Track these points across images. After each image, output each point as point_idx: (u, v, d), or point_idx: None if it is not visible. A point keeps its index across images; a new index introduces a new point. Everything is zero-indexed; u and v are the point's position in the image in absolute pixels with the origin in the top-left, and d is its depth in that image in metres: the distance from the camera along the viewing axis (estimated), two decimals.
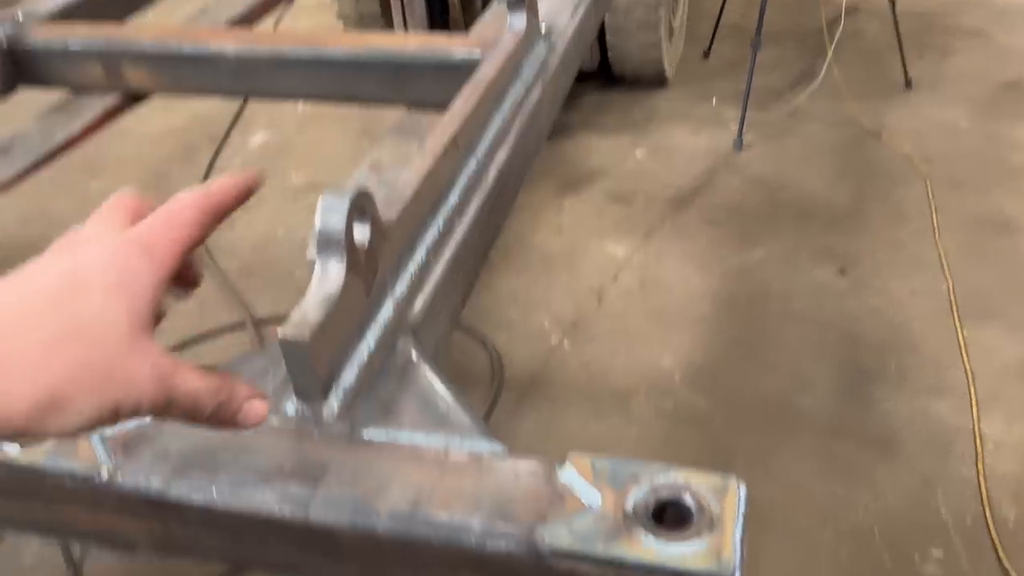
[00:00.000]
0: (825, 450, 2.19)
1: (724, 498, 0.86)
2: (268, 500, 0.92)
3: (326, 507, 0.91)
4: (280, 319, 2.48)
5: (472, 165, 1.47)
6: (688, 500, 0.86)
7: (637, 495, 0.87)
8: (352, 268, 1.07)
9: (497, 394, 2.42)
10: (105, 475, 0.97)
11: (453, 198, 1.39)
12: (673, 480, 0.88)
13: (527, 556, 0.85)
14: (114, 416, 0.54)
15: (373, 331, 1.14)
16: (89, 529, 0.98)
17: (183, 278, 0.72)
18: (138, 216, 0.62)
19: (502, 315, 2.73)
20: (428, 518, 0.88)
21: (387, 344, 1.14)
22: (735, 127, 3.48)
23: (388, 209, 1.20)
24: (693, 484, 0.88)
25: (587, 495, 0.89)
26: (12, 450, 1.00)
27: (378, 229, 1.13)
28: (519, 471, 0.93)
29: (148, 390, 0.55)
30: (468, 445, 0.96)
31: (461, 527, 0.87)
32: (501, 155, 1.54)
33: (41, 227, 3.42)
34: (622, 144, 3.57)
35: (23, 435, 0.50)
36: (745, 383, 2.41)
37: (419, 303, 1.21)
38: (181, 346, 2.76)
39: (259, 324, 2.80)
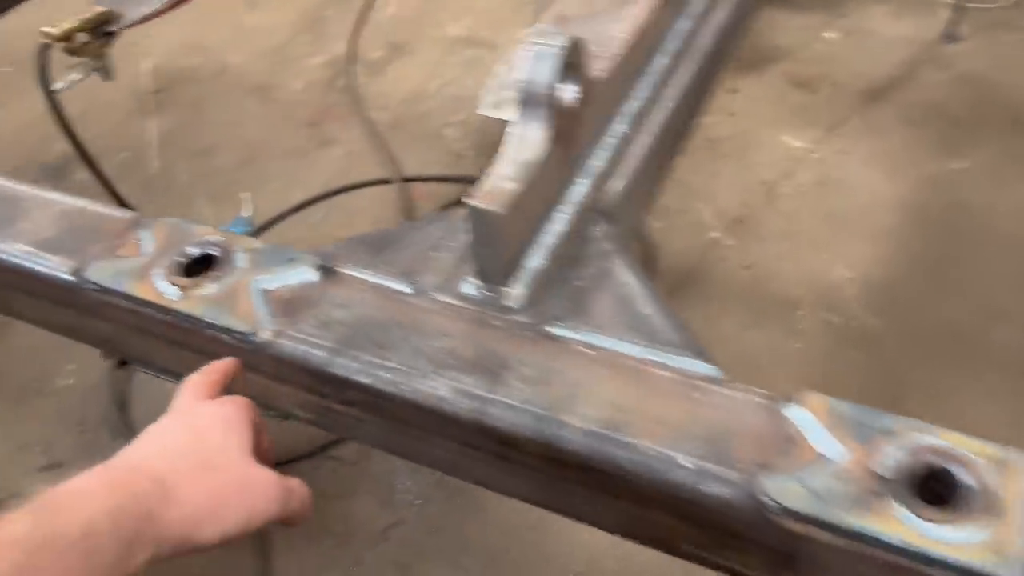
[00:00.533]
0: (1015, 394, 1.94)
1: (1007, 475, 0.68)
2: (441, 391, 0.81)
3: (506, 409, 0.79)
4: (426, 179, 2.32)
5: (686, 23, 1.26)
6: (962, 473, 0.69)
7: (894, 456, 0.71)
8: (556, 132, 0.91)
9: None
10: (265, 336, 0.88)
11: (662, 60, 1.19)
12: (941, 444, 0.71)
13: (747, 509, 0.71)
14: (250, 522, 0.68)
15: (565, 210, 0.98)
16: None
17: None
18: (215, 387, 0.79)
19: (659, 203, 2.53)
20: (627, 441, 0.75)
21: (580, 227, 0.98)
22: (947, 14, 3.03)
23: (594, 66, 1.01)
24: (969, 453, 0.70)
25: (825, 444, 0.72)
26: (172, 293, 0.92)
27: (588, 89, 0.96)
28: (738, 402, 0.77)
29: (274, 494, 0.70)
30: (675, 362, 0.81)
31: (666, 460, 0.73)
32: (719, 15, 1.31)
33: (198, 57, 3.38)
34: (812, 23, 3.18)
35: (186, 543, 0.63)
36: (928, 307, 2.15)
37: (618, 182, 1.04)
38: (326, 196, 2.70)
39: (405, 182, 2.70)
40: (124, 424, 2.07)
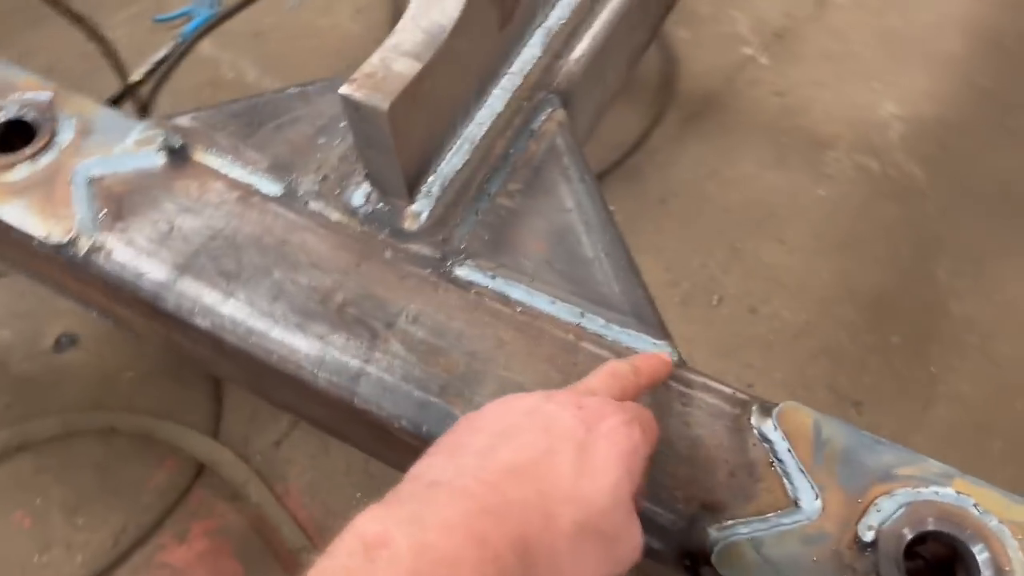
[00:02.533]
0: None
1: None
2: (300, 353, 0.60)
3: (380, 389, 0.59)
4: None
5: None
6: (981, 553, 0.50)
7: (887, 512, 0.51)
8: None
9: (662, 109, 1.96)
10: (82, 248, 0.67)
11: None
12: (957, 504, 0.51)
13: (673, 565, 0.53)
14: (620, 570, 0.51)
15: (505, 84, 0.72)
16: (80, 299, 0.70)
17: None
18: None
19: (688, 7, 2.16)
20: None
21: (521, 111, 0.73)
22: None
23: None
24: (992, 523, 0.50)
25: (797, 484, 0.53)
26: None
27: None
28: (690, 406, 0.57)
29: (637, 550, 0.50)
30: (621, 337, 0.60)
31: None
32: None
33: None
34: None
35: None
36: (983, 157, 1.87)
37: (583, 45, 0.77)
38: None
39: None
40: None
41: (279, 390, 0.64)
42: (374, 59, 0.59)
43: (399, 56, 0.59)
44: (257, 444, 1.66)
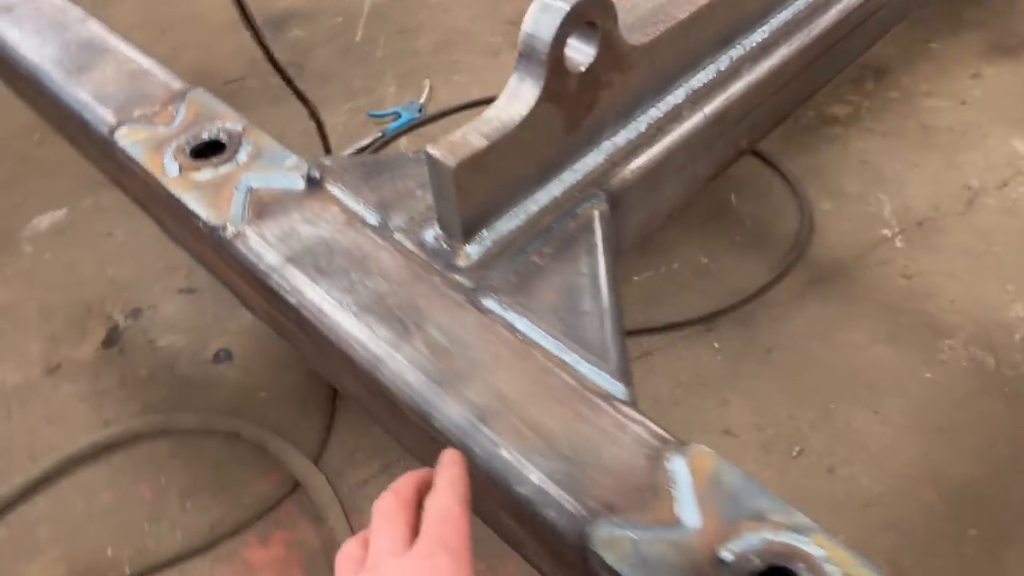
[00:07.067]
0: None
1: None
2: (354, 334, 0.80)
3: (400, 369, 0.77)
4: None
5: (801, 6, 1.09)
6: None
7: (749, 542, 0.62)
8: (552, 95, 0.83)
9: (789, 268, 2.07)
10: (230, 233, 0.91)
11: (758, 35, 1.05)
12: (803, 545, 0.61)
13: (570, 544, 0.65)
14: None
15: (567, 178, 0.91)
16: (218, 276, 0.94)
17: None
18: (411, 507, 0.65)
19: (837, 180, 2.28)
20: (491, 439, 0.70)
21: (575, 200, 0.91)
22: None
23: (640, 29, 0.91)
24: (832, 571, 0.59)
25: (685, 508, 0.65)
26: (173, 171, 0.97)
27: (611, 52, 0.86)
28: (625, 433, 0.70)
29: None
30: (584, 368, 0.74)
31: (517, 469, 0.68)
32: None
33: None
34: None
35: None
36: None
37: (640, 163, 0.95)
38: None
39: None
40: None
41: (328, 357, 0.83)
42: (460, 132, 0.80)
43: (475, 134, 0.80)
44: (349, 478, 1.86)
